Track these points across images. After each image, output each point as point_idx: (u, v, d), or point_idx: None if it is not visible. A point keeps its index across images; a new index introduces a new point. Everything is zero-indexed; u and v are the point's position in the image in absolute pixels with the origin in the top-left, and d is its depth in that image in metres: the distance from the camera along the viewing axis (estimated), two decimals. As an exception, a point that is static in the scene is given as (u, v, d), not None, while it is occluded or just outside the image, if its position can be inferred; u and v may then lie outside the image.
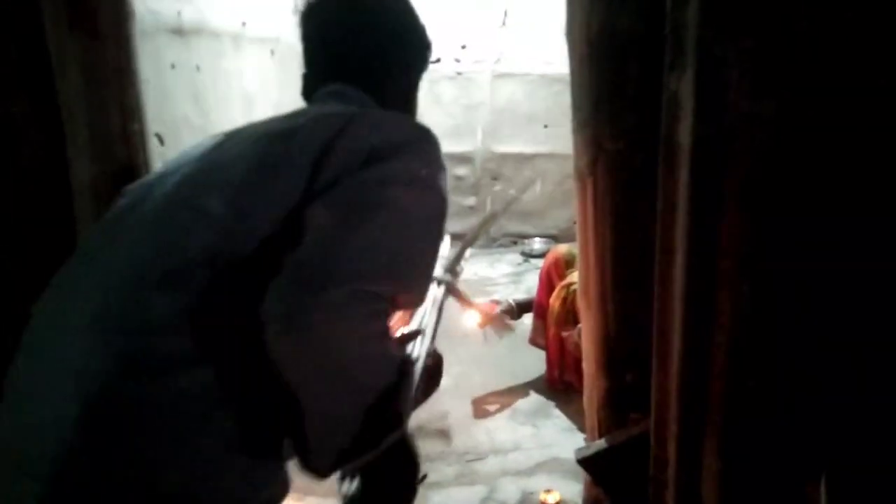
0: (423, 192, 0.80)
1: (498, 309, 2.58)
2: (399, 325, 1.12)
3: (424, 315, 1.17)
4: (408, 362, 0.84)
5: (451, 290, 1.29)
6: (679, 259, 1.17)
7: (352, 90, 0.97)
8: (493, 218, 3.60)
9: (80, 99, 1.34)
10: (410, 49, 1.04)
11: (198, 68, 2.02)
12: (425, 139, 0.85)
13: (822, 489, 0.88)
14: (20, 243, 2.09)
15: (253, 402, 0.75)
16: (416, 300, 0.84)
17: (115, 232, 0.84)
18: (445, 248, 1.29)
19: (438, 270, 1.23)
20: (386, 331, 0.78)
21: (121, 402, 0.71)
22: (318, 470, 0.76)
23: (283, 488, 0.82)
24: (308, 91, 1.03)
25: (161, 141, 1.64)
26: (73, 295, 0.81)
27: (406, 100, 1.06)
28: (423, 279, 0.84)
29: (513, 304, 2.62)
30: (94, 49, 1.33)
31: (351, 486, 0.89)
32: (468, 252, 1.42)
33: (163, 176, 0.87)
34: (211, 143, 0.88)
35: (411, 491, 0.91)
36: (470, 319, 2.67)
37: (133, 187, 0.92)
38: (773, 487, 1.14)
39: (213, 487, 0.74)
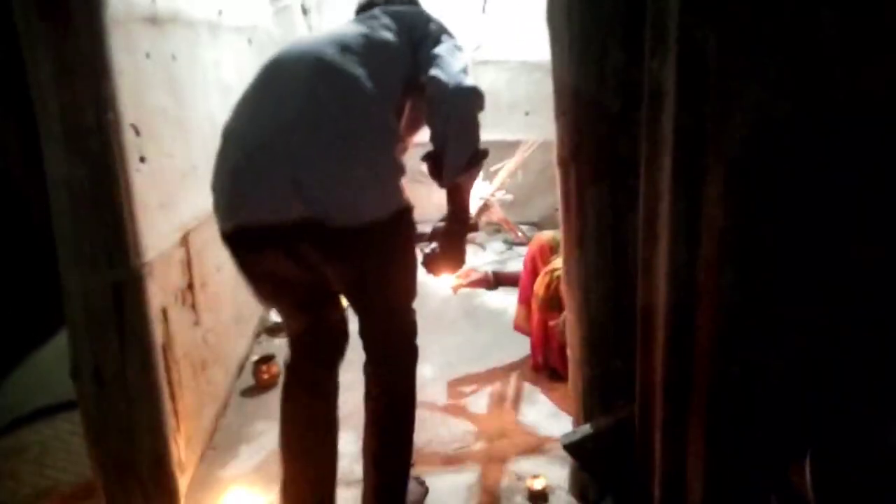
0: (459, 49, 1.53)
1: (473, 275, 2.68)
2: None
3: None
4: (479, 156, 1.51)
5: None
6: (663, 245, 1.18)
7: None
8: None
9: (53, 90, 1.30)
10: None
11: (173, 57, 1.98)
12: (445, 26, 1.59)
13: (807, 472, 0.89)
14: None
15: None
16: None
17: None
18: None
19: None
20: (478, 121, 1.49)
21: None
22: (446, 178, 1.48)
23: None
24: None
25: (137, 132, 1.61)
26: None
27: None
28: None
29: (489, 273, 2.68)
30: (66, 39, 1.30)
31: (430, 247, 1.63)
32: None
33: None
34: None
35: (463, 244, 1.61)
36: (445, 283, 2.72)
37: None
38: (758, 471, 1.15)
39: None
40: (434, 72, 1.44)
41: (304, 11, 3.66)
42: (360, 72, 1.41)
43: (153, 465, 1.56)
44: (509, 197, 4.08)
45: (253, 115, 1.42)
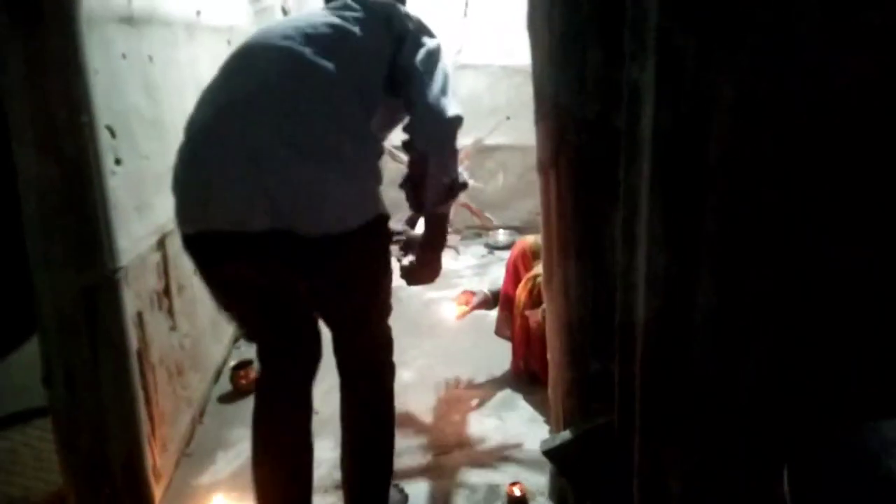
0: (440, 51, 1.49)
1: (475, 299, 2.61)
2: None
3: None
4: (460, 177, 1.51)
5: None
6: (642, 250, 1.18)
7: None
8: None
9: (23, 90, 1.28)
10: None
11: (150, 58, 1.95)
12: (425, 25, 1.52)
13: (786, 482, 0.89)
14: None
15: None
16: None
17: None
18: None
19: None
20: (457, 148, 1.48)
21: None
22: (423, 207, 1.47)
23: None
24: None
25: (112, 133, 1.58)
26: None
27: None
28: None
29: (489, 294, 2.65)
30: (37, 38, 1.27)
31: (406, 259, 1.60)
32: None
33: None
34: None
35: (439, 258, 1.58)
36: (449, 310, 2.70)
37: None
38: (739, 478, 1.15)
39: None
40: (415, 92, 1.39)
41: (285, 13, 3.63)
42: (332, 69, 1.33)
43: (127, 472, 1.54)
44: (479, 185, 4.05)
45: (218, 112, 1.33)
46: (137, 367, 1.60)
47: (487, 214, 2.54)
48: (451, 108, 1.42)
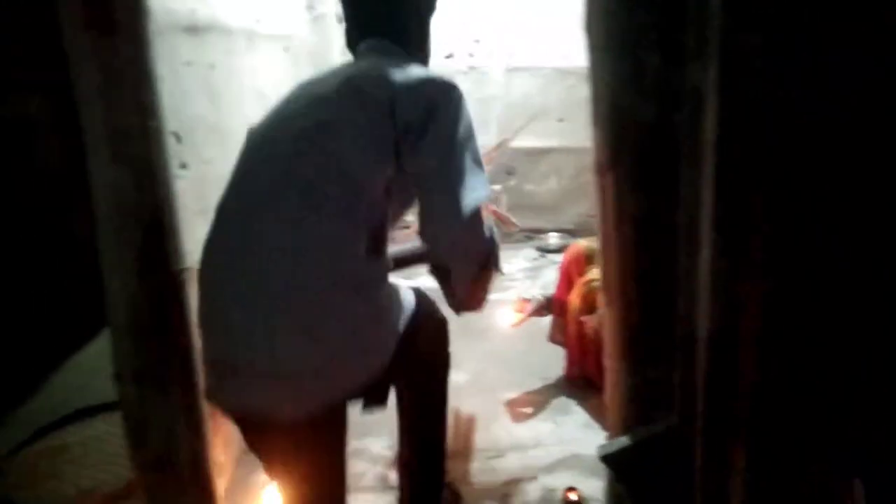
0: (466, 121, 1.26)
1: (530, 306, 2.58)
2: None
3: None
4: (493, 233, 1.34)
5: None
6: (704, 253, 1.15)
7: (390, 45, 1.36)
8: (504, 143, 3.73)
9: (98, 98, 1.33)
10: (425, 4, 1.43)
11: (212, 66, 2.01)
12: (452, 86, 1.27)
13: (858, 492, 0.86)
14: (38, 244, 2.10)
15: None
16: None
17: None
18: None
19: None
20: (483, 221, 1.27)
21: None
22: (457, 293, 1.33)
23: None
24: (352, 43, 1.43)
25: (178, 139, 1.64)
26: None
27: (425, 41, 1.45)
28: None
29: (543, 299, 2.61)
30: (111, 46, 1.33)
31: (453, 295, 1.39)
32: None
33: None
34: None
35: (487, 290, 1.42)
36: (501, 314, 2.69)
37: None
38: (804, 487, 1.12)
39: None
40: (425, 197, 1.23)
41: (339, 20, 3.69)
42: (336, 173, 1.18)
43: (193, 467, 1.58)
44: (497, 187, 4.05)
45: (231, 227, 1.30)
46: (201, 366, 1.65)
47: (513, 219, 2.51)
48: (470, 198, 1.21)
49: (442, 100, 1.22)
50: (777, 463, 1.14)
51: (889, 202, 0.99)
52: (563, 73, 4.22)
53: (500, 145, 2.55)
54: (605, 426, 2.00)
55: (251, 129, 1.38)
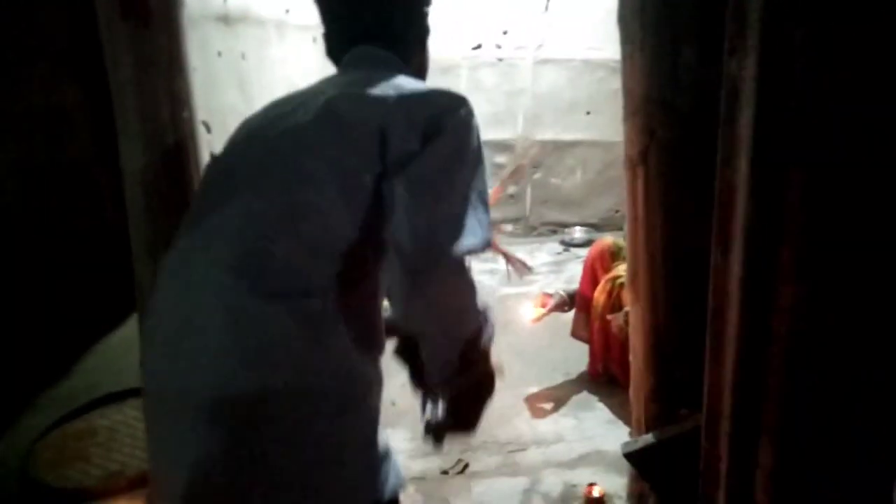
0: (473, 147, 0.97)
1: (551, 302, 2.57)
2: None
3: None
4: (489, 311, 1.03)
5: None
6: (736, 251, 1.13)
7: (380, 52, 1.11)
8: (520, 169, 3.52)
9: (132, 87, 1.35)
10: (418, 5, 1.16)
11: (243, 56, 2.02)
12: (459, 104, 0.98)
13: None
14: (70, 232, 2.14)
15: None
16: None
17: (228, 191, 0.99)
18: None
19: None
20: (474, 283, 0.96)
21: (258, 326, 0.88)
22: (429, 384, 1.03)
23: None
24: (333, 51, 1.18)
25: (208, 129, 1.65)
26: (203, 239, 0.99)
27: (422, 48, 1.19)
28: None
29: (565, 295, 2.59)
30: (146, 37, 1.34)
31: (434, 410, 1.07)
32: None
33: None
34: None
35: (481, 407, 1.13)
36: (524, 308, 2.67)
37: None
38: (831, 490, 1.10)
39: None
40: (396, 248, 0.90)
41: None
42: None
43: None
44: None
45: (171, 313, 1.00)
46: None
47: (529, 264, 2.38)
48: (460, 242, 0.90)
49: (447, 121, 0.94)
50: (804, 465, 1.12)
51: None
52: (593, 65, 4.18)
53: (516, 172, 2.49)
54: (628, 423, 1.98)
55: (213, 156, 1.15)
